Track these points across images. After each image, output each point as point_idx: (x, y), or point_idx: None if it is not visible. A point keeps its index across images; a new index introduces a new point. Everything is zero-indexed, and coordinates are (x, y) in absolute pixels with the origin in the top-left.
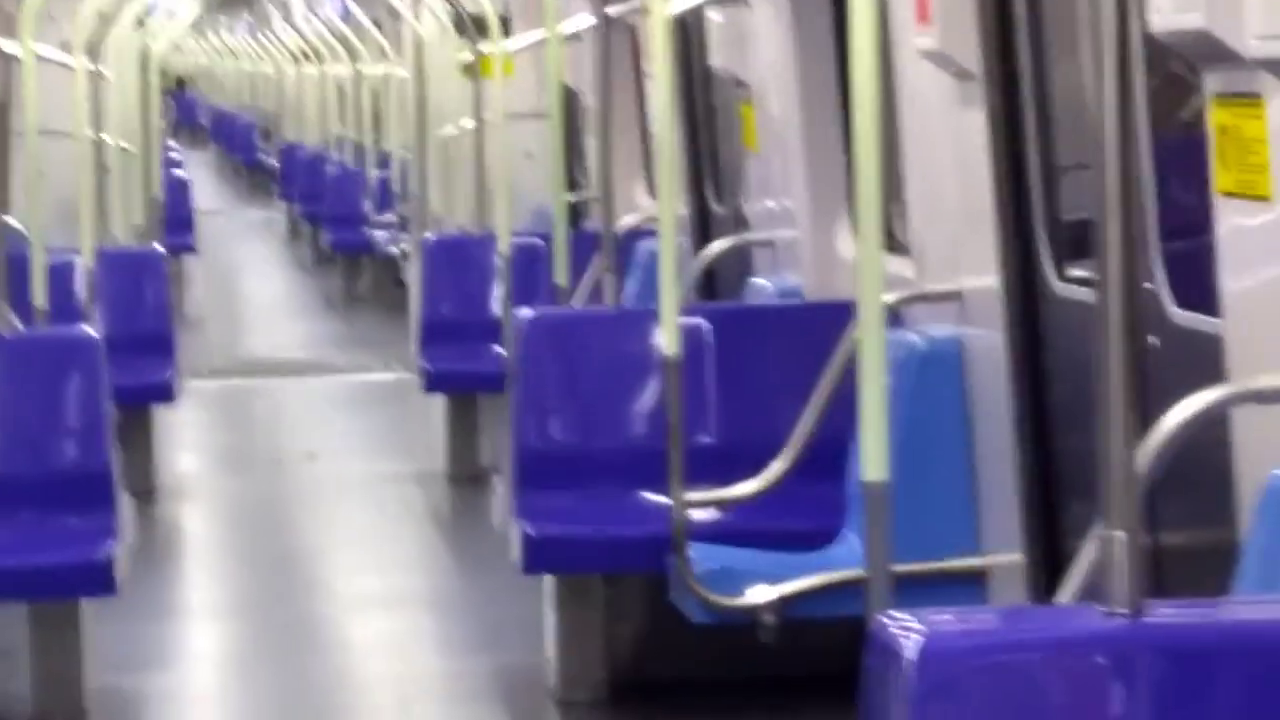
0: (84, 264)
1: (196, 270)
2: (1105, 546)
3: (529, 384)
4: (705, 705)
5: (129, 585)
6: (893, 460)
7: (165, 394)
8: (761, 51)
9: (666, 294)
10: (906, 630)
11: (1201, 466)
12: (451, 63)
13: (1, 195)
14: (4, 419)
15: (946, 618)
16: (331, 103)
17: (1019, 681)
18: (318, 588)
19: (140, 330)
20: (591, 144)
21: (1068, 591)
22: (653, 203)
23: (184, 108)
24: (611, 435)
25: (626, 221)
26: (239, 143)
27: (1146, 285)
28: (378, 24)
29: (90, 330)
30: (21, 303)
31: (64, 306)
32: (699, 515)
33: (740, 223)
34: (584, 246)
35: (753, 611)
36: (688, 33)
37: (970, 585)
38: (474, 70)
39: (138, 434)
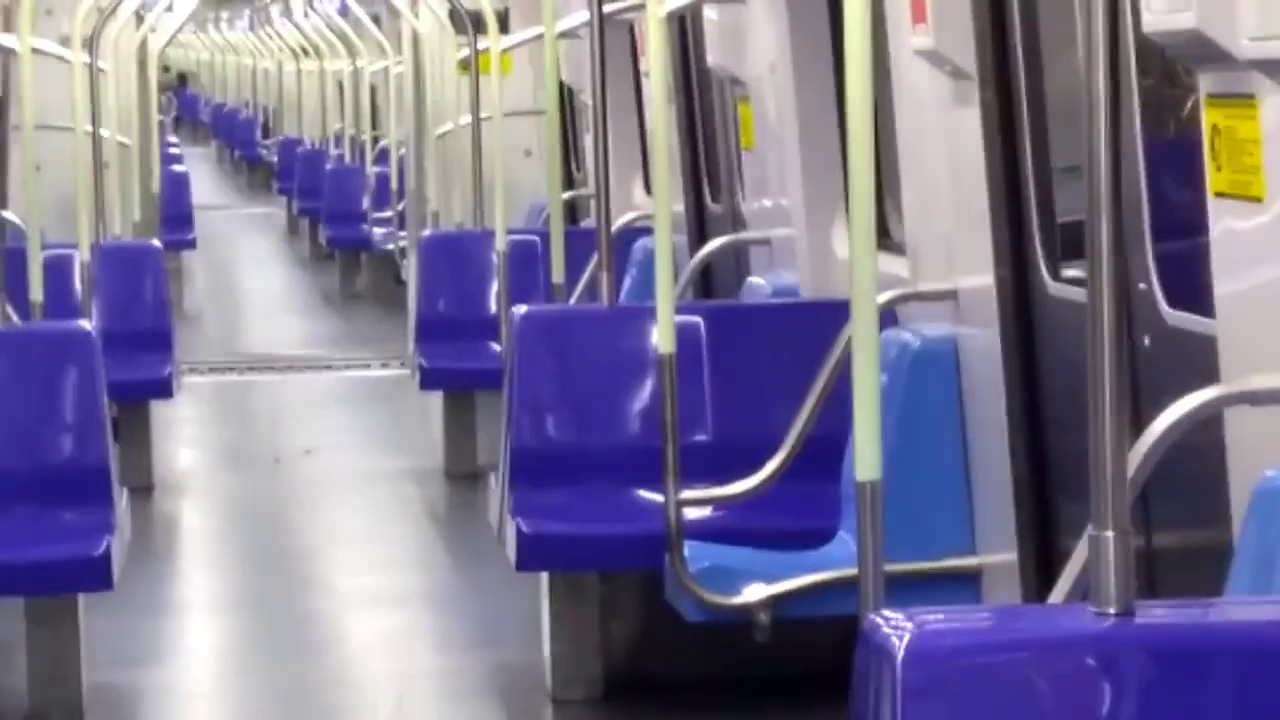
0: (81, 259)
1: (195, 265)
2: (1095, 547)
3: (524, 381)
4: (700, 703)
5: (126, 580)
6: (887, 459)
7: (163, 389)
8: (758, 50)
9: (662, 292)
10: (896, 629)
11: (1194, 467)
12: (449, 59)
13: None
14: (1, 414)
15: (936, 617)
16: (331, 98)
17: (1008, 681)
18: (314, 584)
19: (138, 326)
20: (588, 141)
21: (1060, 591)
22: (649, 200)
23: (186, 104)
24: (607, 433)
25: (623, 219)
26: (239, 138)
27: (1140, 285)
28: (376, 20)
29: (87, 325)
30: (19, 297)
31: (61, 301)
32: (694, 513)
33: (737, 221)
34: (581, 244)
35: (747, 610)
36: (684, 31)
37: (964, 584)
38: (472, 67)
39: (136, 429)
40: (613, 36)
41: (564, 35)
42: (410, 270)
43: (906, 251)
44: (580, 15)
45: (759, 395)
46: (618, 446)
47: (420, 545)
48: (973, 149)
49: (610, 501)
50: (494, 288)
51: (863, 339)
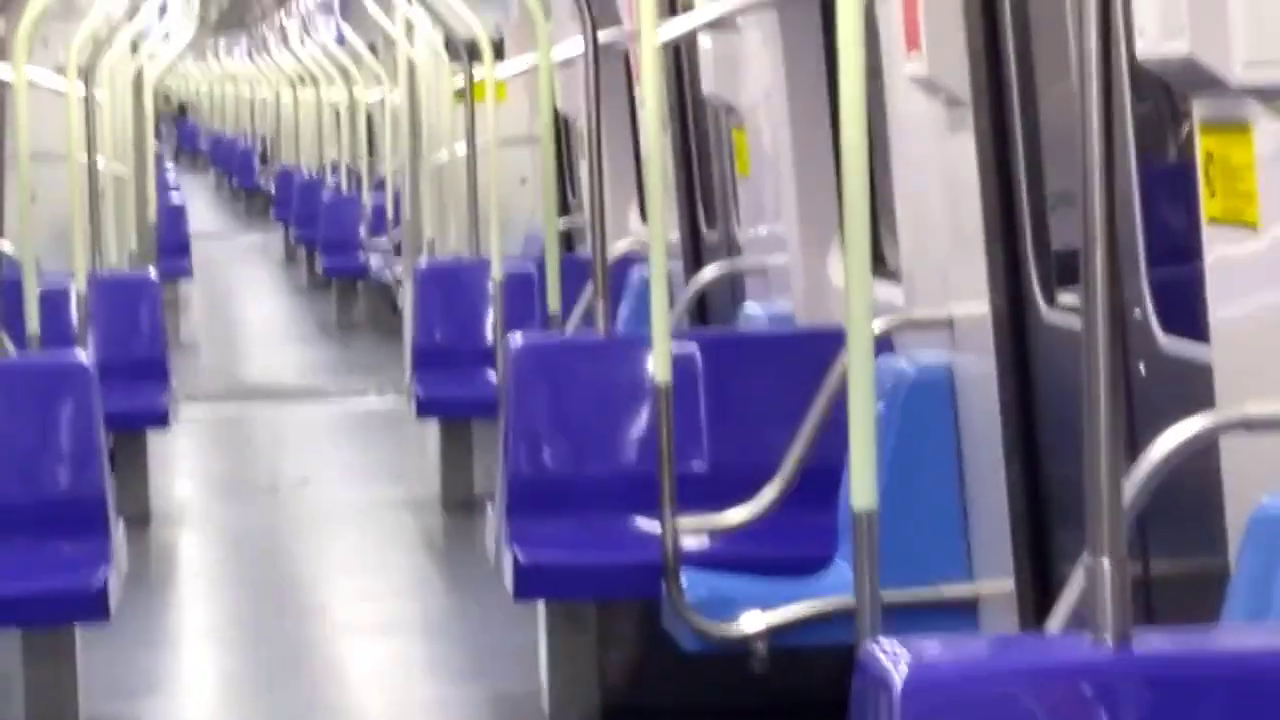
0: (78, 289)
1: (192, 294)
2: (1092, 575)
3: (520, 410)
4: None
5: (123, 611)
6: (883, 487)
7: (160, 420)
8: (753, 78)
9: (658, 320)
10: (894, 659)
11: (1190, 494)
12: (445, 88)
13: None
14: None
15: (934, 646)
16: (328, 127)
17: (1006, 710)
18: (311, 614)
19: (134, 356)
20: (583, 169)
21: (1057, 620)
22: (645, 228)
23: (185, 133)
24: (603, 461)
25: (619, 247)
26: (237, 167)
27: (1135, 312)
28: (373, 49)
29: (83, 356)
30: (15, 328)
31: (58, 332)
32: (691, 542)
33: (732, 248)
34: (576, 272)
35: (745, 639)
36: (679, 58)
37: (961, 613)
38: (467, 95)
39: (132, 459)
40: (607, 64)
41: (559, 63)
42: (406, 299)
43: (901, 278)
44: (575, 44)
45: (755, 423)
46: (614, 475)
47: (417, 574)
48: (967, 176)
49: (607, 530)
50: (490, 316)
51: (858, 367)
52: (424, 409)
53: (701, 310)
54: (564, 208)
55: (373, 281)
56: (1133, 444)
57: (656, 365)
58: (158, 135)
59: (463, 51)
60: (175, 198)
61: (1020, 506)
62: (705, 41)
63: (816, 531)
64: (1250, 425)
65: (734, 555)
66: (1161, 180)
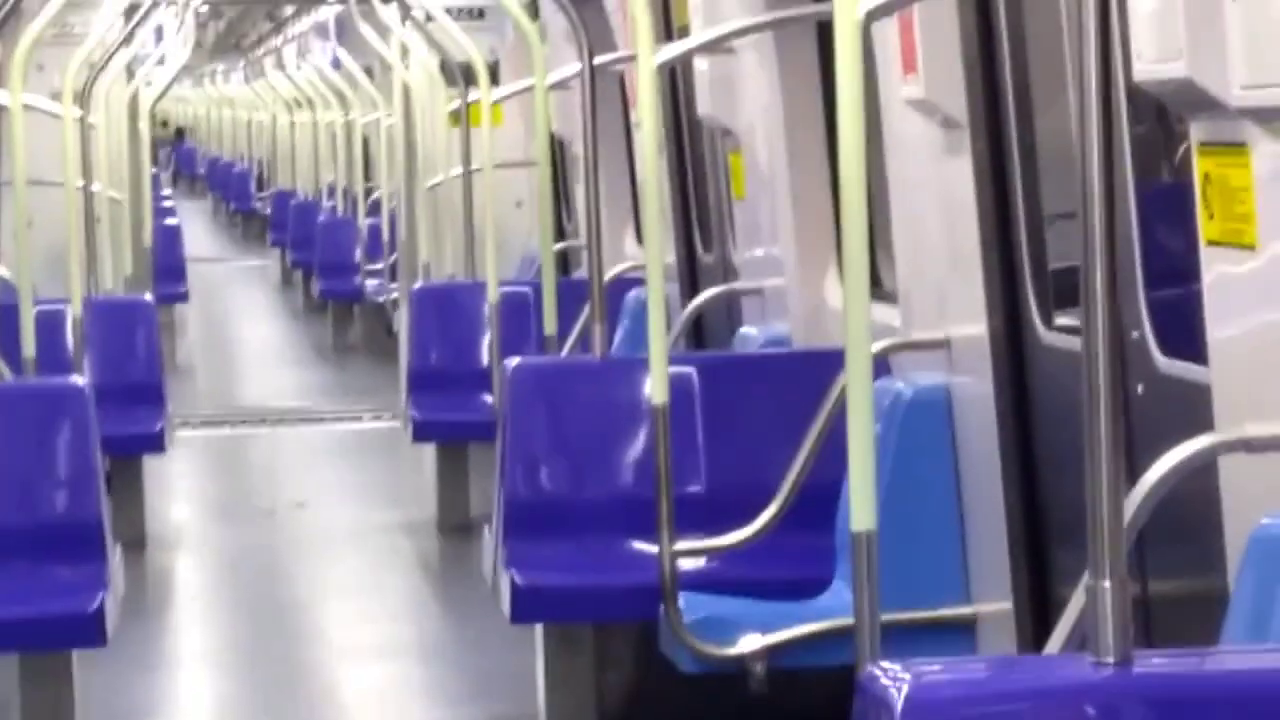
0: (73, 314)
1: (189, 317)
2: (1093, 596)
3: (517, 433)
4: None
5: (119, 635)
6: (880, 509)
7: (155, 444)
8: (749, 100)
9: (655, 343)
10: (895, 681)
11: (1189, 514)
12: (440, 111)
13: None
14: None
15: (934, 668)
16: (324, 151)
17: None
18: (308, 637)
19: (130, 380)
20: (579, 192)
21: (1056, 641)
22: (641, 251)
23: (183, 157)
24: (600, 484)
25: (615, 270)
26: (234, 191)
27: (1133, 333)
28: (369, 72)
29: (80, 381)
30: (11, 353)
31: (53, 356)
32: (688, 564)
33: (728, 271)
34: (572, 295)
35: (743, 661)
36: (674, 81)
37: (959, 634)
38: (462, 119)
39: (128, 483)
40: (603, 87)
41: (554, 87)
42: (402, 322)
43: (898, 300)
44: (571, 67)
45: (752, 445)
46: (611, 498)
47: (413, 597)
48: (964, 198)
49: (604, 553)
50: (486, 339)
51: (857, 389)
52: (420, 432)
53: (698, 333)
54: (559, 231)
55: (369, 304)
56: (1131, 465)
57: (654, 387)
58: (155, 160)
59: (458, 75)
60: (171, 221)
61: (1018, 527)
62: (701, 64)
63: (814, 553)
64: (1249, 446)
65: (731, 577)
66: (1158, 202)
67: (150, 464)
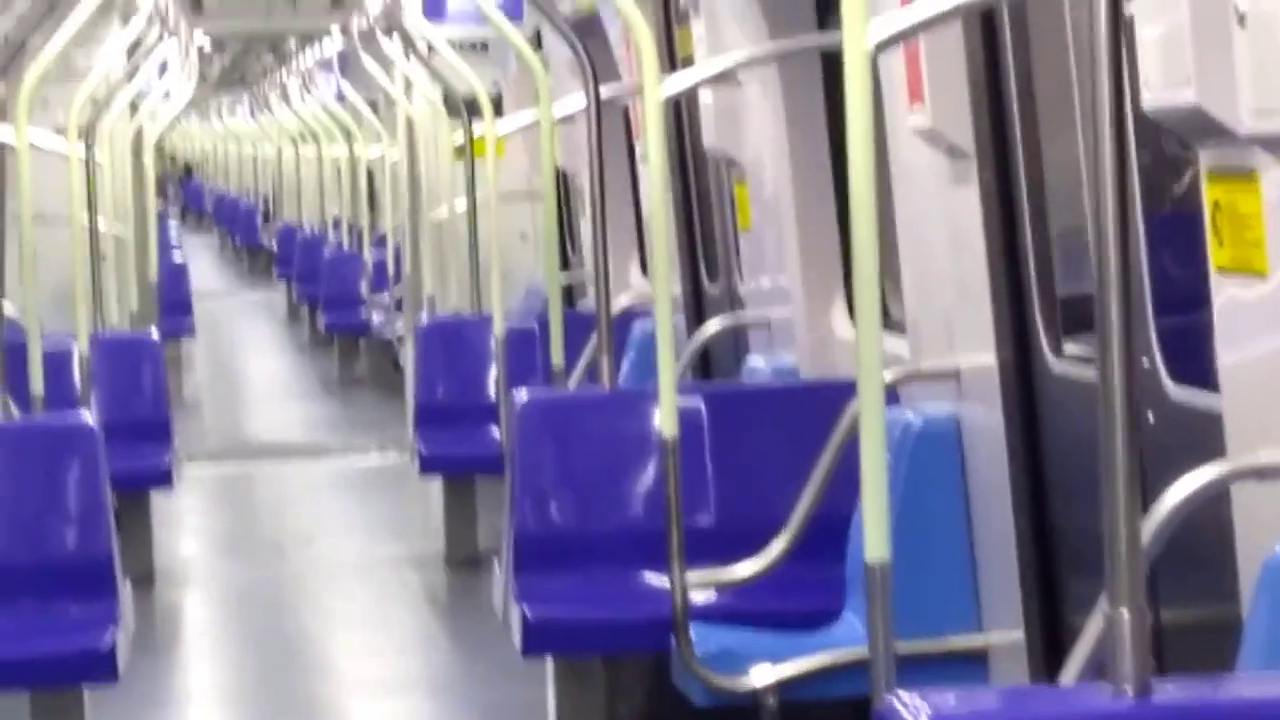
0: (80, 351)
1: (195, 352)
2: (1111, 625)
3: (526, 466)
4: None
5: (130, 672)
6: (891, 539)
7: (163, 480)
8: (754, 131)
9: (664, 374)
10: (914, 712)
11: (1201, 542)
12: (445, 144)
13: None
14: (3, 507)
15: (951, 699)
16: (329, 184)
17: None
18: (317, 672)
19: (137, 416)
20: (584, 225)
21: (1072, 670)
22: (646, 283)
23: (191, 193)
24: (610, 516)
25: (621, 302)
26: (240, 225)
27: (1144, 361)
28: (373, 106)
29: (89, 418)
30: (19, 390)
31: (60, 393)
32: (699, 596)
33: (734, 302)
34: (578, 327)
35: (755, 693)
36: (679, 113)
37: (971, 664)
38: (466, 151)
39: (136, 520)
40: (606, 118)
41: (559, 120)
42: (408, 356)
43: (907, 330)
44: (576, 99)
45: (761, 477)
46: (621, 530)
47: (422, 631)
48: (972, 227)
49: (615, 585)
50: (492, 373)
51: (870, 419)
52: (427, 466)
53: (704, 364)
54: (564, 263)
55: (375, 338)
56: (1143, 493)
57: (663, 419)
58: (162, 195)
59: (462, 108)
60: (177, 256)
61: (1029, 556)
62: (706, 95)
63: (825, 584)
64: (1262, 474)
65: (742, 609)
66: (1166, 229)
67: (158, 500)
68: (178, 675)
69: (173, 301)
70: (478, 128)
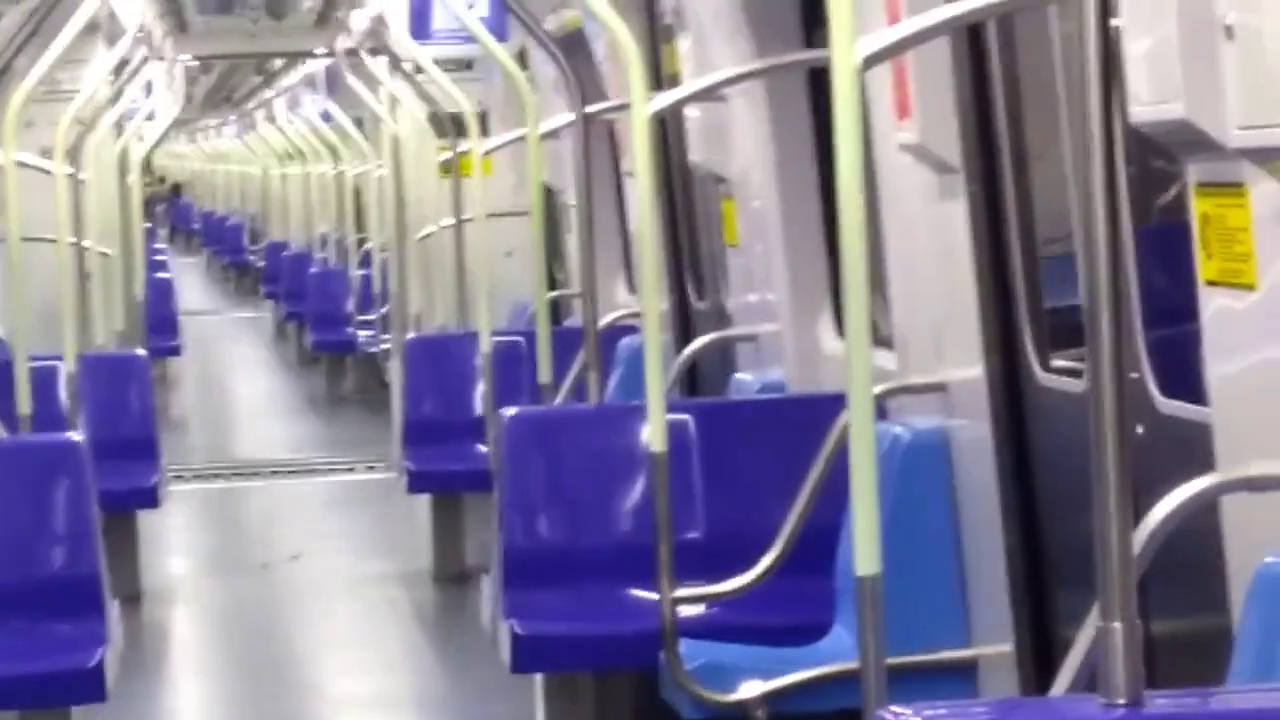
0: (67, 370)
1: (183, 370)
2: (1103, 637)
3: (514, 482)
4: None
5: (118, 691)
6: (880, 552)
7: (150, 499)
8: (740, 147)
9: (652, 390)
10: None
11: (1191, 553)
12: (430, 162)
13: None
14: None
15: (944, 711)
16: (316, 202)
17: None
18: (306, 690)
19: (124, 435)
20: (571, 241)
21: (1063, 682)
22: (633, 299)
23: (179, 214)
24: (598, 532)
25: (608, 318)
26: (228, 245)
27: (1132, 375)
28: (359, 123)
29: (76, 437)
30: (5, 410)
31: (47, 412)
32: (688, 611)
33: (722, 318)
34: (565, 344)
35: (744, 707)
36: (665, 129)
37: (960, 676)
38: (452, 169)
39: (123, 538)
40: (593, 137)
41: (545, 136)
42: (394, 373)
43: (894, 344)
44: (562, 117)
45: (749, 491)
46: (610, 545)
47: (410, 648)
48: (959, 241)
49: (604, 601)
50: (479, 389)
51: (859, 433)
52: (415, 483)
53: (692, 380)
54: (551, 280)
55: (362, 355)
56: (1133, 507)
57: (652, 434)
58: (150, 215)
59: (448, 125)
60: (164, 275)
61: (1018, 569)
62: (692, 111)
63: (814, 597)
64: (1252, 485)
65: (732, 623)
66: (1154, 242)
67: (145, 518)
68: (166, 693)
69: (159, 320)
70: (463, 145)
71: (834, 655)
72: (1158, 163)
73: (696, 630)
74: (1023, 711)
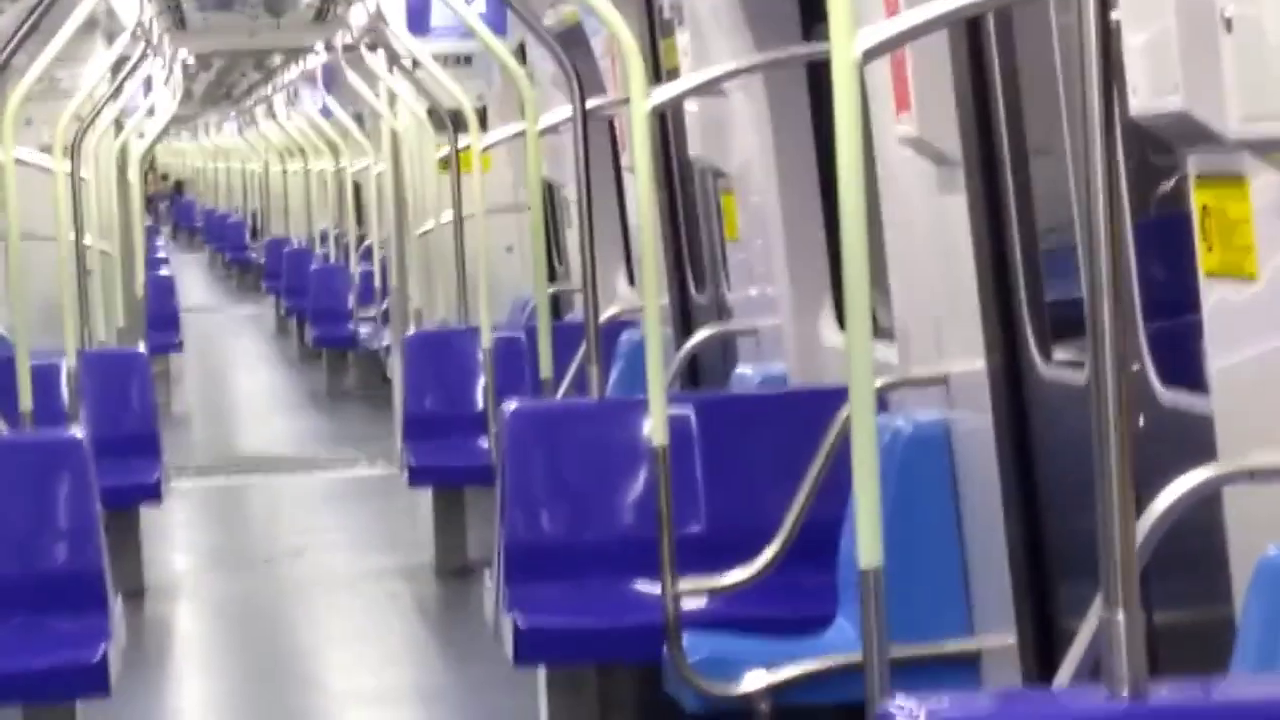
0: (68, 366)
1: (184, 367)
2: (1106, 628)
3: (516, 476)
4: None
5: (121, 686)
6: (882, 545)
7: (152, 494)
8: (740, 141)
9: (654, 383)
10: (910, 716)
11: (1193, 544)
12: (430, 158)
13: None
14: None
15: (949, 702)
16: (316, 198)
17: None
18: (308, 684)
19: (126, 431)
20: (570, 236)
21: (1066, 673)
22: (633, 293)
23: (181, 211)
24: (600, 526)
25: (608, 312)
26: (229, 241)
27: (1134, 365)
28: (359, 119)
29: (78, 433)
30: (7, 407)
31: (48, 409)
32: (691, 603)
33: (722, 311)
34: (565, 338)
35: (748, 699)
36: (664, 123)
37: (963, 668)
38: (452, 165)
39: (125, 534)
40: (592, 131)
41: (545, 131)
42: (395, 368)
43: (895, 337)
44: (561, 112)
45: (751, 484)
46: (612, 539)
47: (413, 642)
48: (960, 234)
49: (607, 594)
50: (480, 384)
51: (861, 425)
52: (416, 478)
53: (693, 373)
54: (551, 275)
55: (363, 351)
56: (1135, 497)
57: (653, 428)
58: (152, 212)
59: (447, 121)
60: (164, 271)
61: (1020, 561)
62: (692, 106)
63: (816, 590)
64: (1254, 476)
65: (734, 616)
66: (1154, 234)
67: (147, 514)
68: (169, 688)
69: (160, 316)
70: (463, 141)
71: (837, 647)
72: (1155, 157)
73: (699, 623)
74: (1026, 702)
